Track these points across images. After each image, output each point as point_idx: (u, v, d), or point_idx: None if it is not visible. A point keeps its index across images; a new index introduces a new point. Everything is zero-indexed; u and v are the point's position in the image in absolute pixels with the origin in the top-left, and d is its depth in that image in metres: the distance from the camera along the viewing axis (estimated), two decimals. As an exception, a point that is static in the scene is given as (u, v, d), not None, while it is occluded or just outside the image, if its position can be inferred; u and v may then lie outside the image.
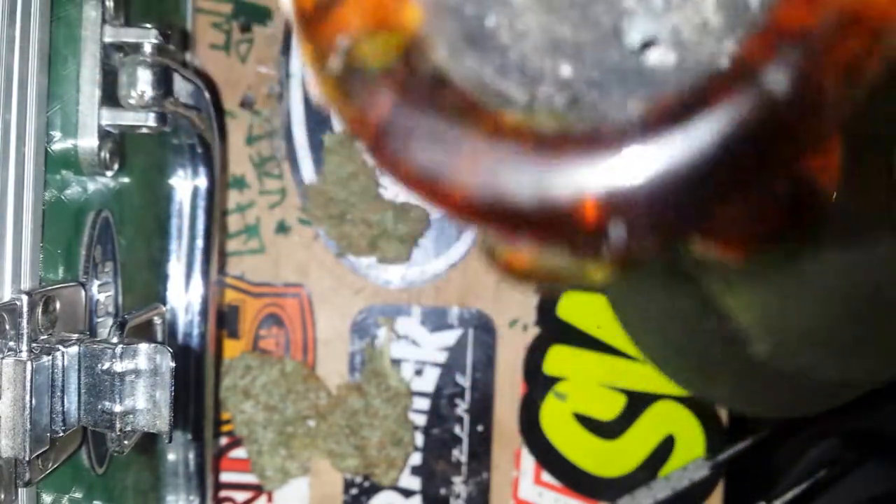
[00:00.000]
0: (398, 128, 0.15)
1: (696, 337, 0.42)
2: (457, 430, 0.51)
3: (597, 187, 0.14)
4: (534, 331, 0.51)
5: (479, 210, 0.15)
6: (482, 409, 0.51)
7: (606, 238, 0.14)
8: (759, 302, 0.36)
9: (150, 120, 0.33)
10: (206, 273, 0.43)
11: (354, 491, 0.51)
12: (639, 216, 0.14)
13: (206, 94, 0.39)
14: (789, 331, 0.37)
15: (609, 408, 0.51)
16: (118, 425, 0.29)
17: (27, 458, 0.26)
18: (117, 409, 0.29)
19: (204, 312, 0.43)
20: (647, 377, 0.51)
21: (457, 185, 0.15)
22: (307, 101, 0.51)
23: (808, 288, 0.34)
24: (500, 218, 0.15)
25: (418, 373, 0.51)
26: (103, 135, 0.32)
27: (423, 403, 0.51)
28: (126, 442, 0.32)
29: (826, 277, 0.34)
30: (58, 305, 0.29)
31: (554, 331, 0.51)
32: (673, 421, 0.51)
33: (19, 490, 0.27)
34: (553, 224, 0.14)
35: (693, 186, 0.14)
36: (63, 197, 0.31)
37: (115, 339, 0.29)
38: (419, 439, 0.51)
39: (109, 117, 0.32)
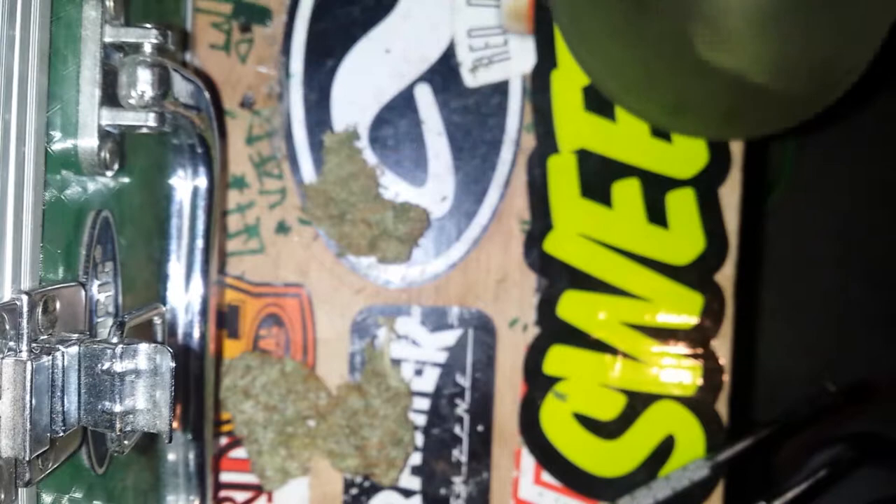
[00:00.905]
0: None
1: (633, 44, 0.46)
2: (457, 430, 0.51)
3: None
4: (534, 331, 0.51)
5: None
6: (482, 409, 0.51)
7: None
8: None
9: (150, 120, 0.33)
10: (206, 273, 0.43)
11: (354, 491, 0.51)
12: None
13: (206, 94, 0.39)
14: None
15: (609, 408, 0.51)
16: (118, 425, 0.29)
17: (27, 458, 0.26)
18: (117, 409, 0.29)
19: (204, 312, 0.43)
20: (647, 377, 0.51)
21: None
22: (307, 101, 0.51)
23: None
24: None
25: (418, 373, 0.51)
26: (103, 135, 0.32)
27: (423, 403, 0.51)
28: (126, 442, 0.32)
29: None
30: (58, 305, 0.29)
31: (554, 331, 0.51)
32: (673, 421, 0.51)
33: (19, 490, 0.27)
34: None
35: None
36: (63, 197, 0.31)
37: (115, 339, 0.29)
38: (419, 439, 0.51)
39: (109, 117, 0.32)
